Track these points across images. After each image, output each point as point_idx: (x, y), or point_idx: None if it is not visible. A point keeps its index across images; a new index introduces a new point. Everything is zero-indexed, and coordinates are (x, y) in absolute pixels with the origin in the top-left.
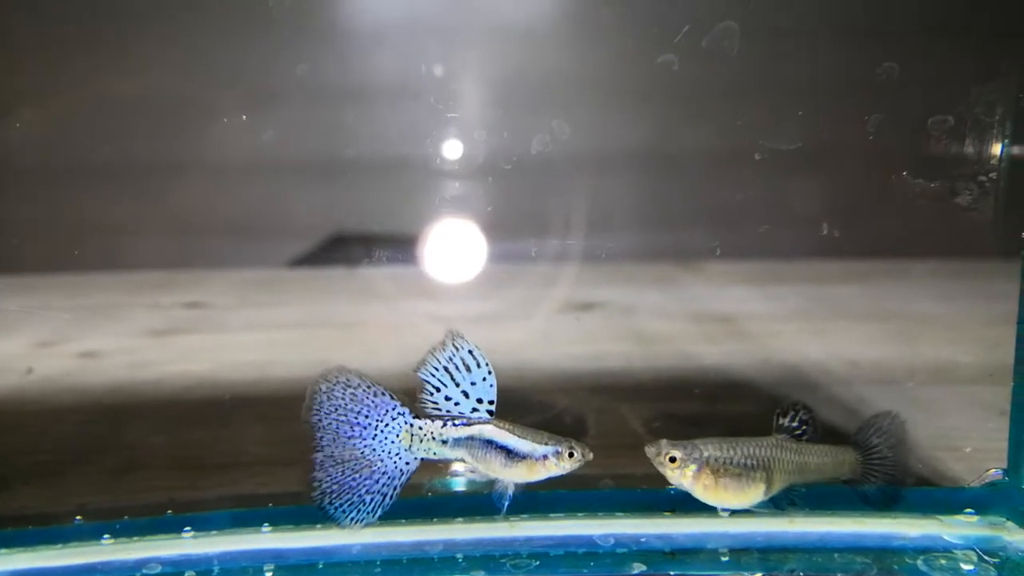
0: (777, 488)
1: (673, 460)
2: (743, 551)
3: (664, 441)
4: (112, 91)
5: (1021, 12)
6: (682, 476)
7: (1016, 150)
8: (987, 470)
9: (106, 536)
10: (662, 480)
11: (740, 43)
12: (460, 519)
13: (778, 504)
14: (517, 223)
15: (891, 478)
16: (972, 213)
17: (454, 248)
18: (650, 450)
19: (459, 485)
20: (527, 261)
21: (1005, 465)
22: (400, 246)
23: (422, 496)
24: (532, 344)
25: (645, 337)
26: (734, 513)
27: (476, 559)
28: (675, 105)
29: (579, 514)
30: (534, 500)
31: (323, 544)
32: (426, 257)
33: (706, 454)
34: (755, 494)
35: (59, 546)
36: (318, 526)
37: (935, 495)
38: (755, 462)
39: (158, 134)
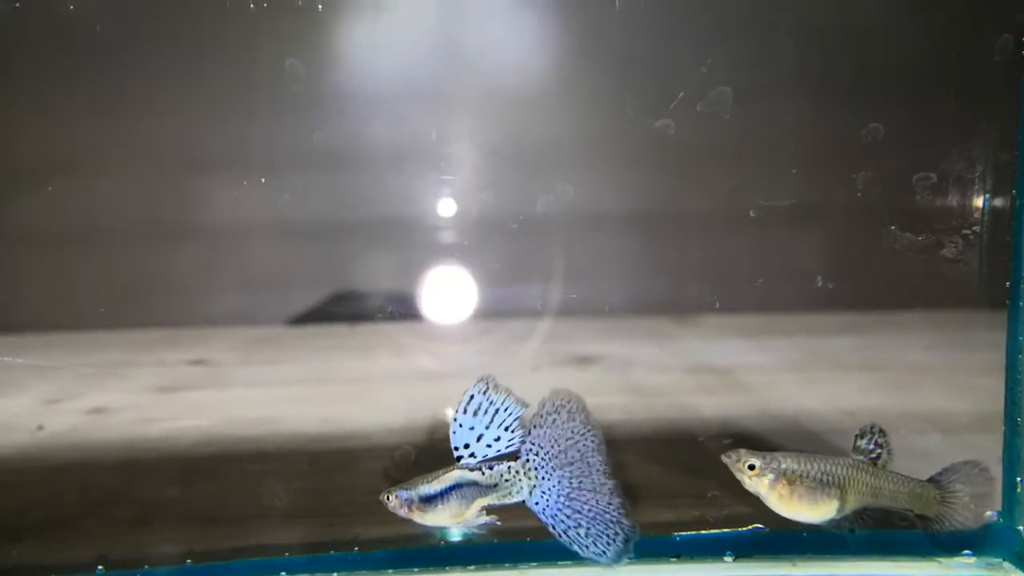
0: (850, 508)
1: (752, 468)
2: None
3: (743, 450)
4: (115, 154)
5: (995, 75)
6: (759, 484)
7: (997, 203)
8: (983, 512)
9: None
10: (667, 527)
11: (733, 106)
12: (472, 567)
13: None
14: (517, 280)
15: (963, 524)
16: (958, 265)
17: (453, 304)
18: (729, 458)
19: (470, 534)
20: (527, 316)
21: (1000, 508)
22: (399, 303)
23: (436, 545)
24: (534, 397)
25: (643, 390)
26: (738, 557)
27: None
28: (671, 167)
29: (584, 561)
30: (541, 548)
31: None
32: (426, 314)
33: (784, 465)
34: (828, 509)
35: None
36: (335, 574)
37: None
38: (831, 479)
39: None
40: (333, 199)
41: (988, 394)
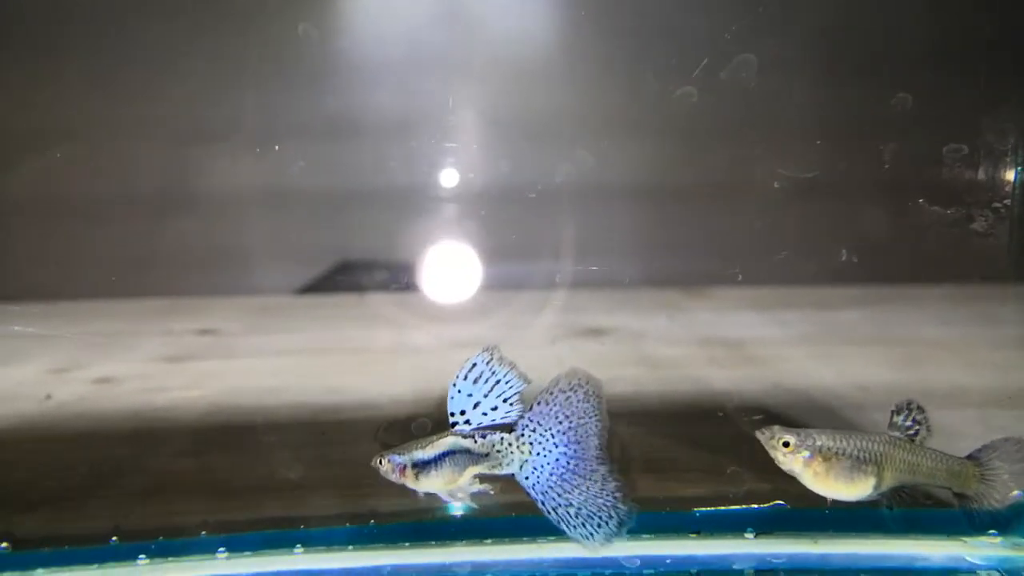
0: (887, 485)
1: (786, 445)
2: (768, 572)
3: (777, 427)
4: (120, 122)
5: None
6: (793, 461)
7: None
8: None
9: (142, 556)
10: (687, 503)
11: (757, 75)
12: (488, 540)
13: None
14: (529, 252)
15: (1002, 503)
16: (988, 239)
17: (464, 275)
18: (763, 435)
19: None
20: (540, 288)
21: None
22: (409, 274)
23: (453, 518)
24: (547, 369)
25: (655, 362)
26: (759, 534)
27: None
28: (690, 136)
29: None
30: None
31: (354, 566)
32: (436, 285)
33: (819, 442)
34: (864, 487)
35: (95, 566)
36: (350, 547)
37: (958, 516)
38: (867, 455)
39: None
40: (341, 168)
41: (1008, 369)
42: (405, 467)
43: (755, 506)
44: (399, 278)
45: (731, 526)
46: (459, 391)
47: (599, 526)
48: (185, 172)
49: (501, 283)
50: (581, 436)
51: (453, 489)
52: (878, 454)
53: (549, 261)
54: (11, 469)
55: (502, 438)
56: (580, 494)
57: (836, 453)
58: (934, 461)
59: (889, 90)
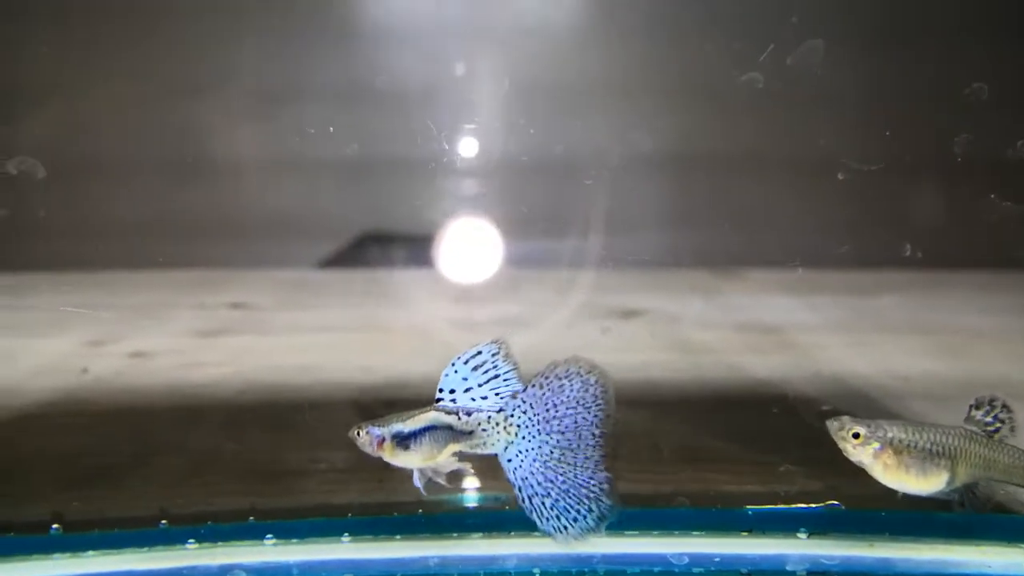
0: (961, 480)
1: (856, 436)
2: (821, 575)
3: (847, 417)
4: (151, 90)
5: None
6: (863, 453)
7: None
8: None
9: (191, 541)
10: (739, 500)
11: (825, 60)
12: (537, 533)
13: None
14: (562, 230)
15: None
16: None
17: (489, 251)
18: (832, 425)
19: None
20: (572, 266)
21: None
22: (440, 251)
23: (500, 509)
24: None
25: (691, 347)
26: (812, 534)
27: (553, 575)
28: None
29: (654, 532)
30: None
31: (401, 556)
32: (461, 260)
33: (890, 434)
34: (937, 481)
35: (145, 549)
36: (397, 537)
37: (1018, 523)
38: (941, 449)
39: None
40: (374, 139)
41: None
42: (384, 439)
43: (809, 505)
44: (425, 254)
45: (784, 525)
46: (455, 371)
47: (575, 520)
48: (201, 140)
49: (534, 260)
50: (571, 425)
51: (431, 465)
52: (952, 448)
53: (579, 239)
54: (54, 444)
55: (489, 417)
56: (563, 483)
57: (908, 446)
58: (1012, 457)
59: (965, 79)
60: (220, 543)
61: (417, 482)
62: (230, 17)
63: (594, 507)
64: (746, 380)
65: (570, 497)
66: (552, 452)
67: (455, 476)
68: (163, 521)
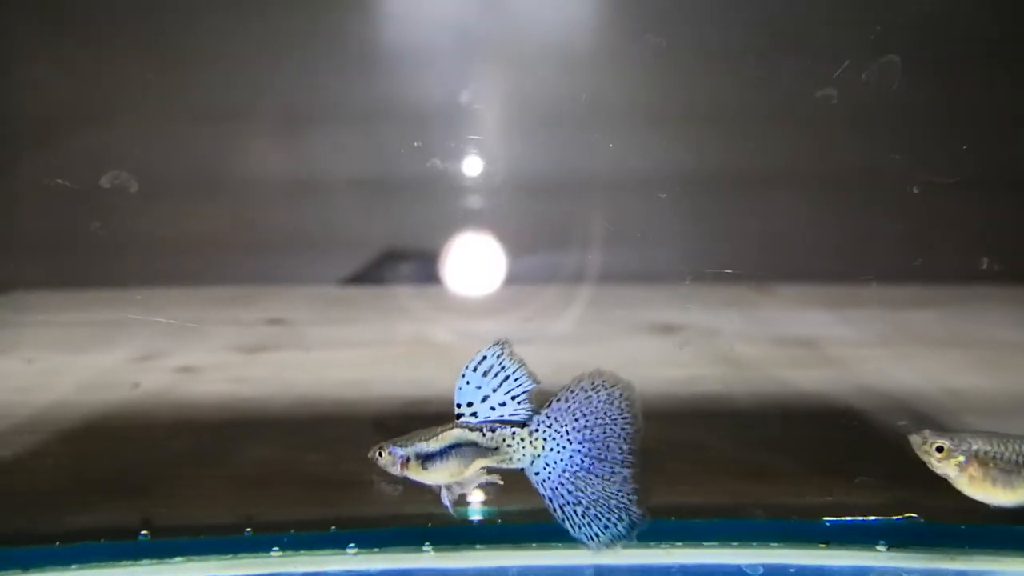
0: None
1: (940, 450)
2: None
3: (928, 431)
4: (186, 108)
5: None
6: (947, 466)
7: None
8: None
9: (275, 549)
10: (816, 512)
11: (903, 76)
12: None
13: None
14: (598, 243)
15: None
16: None
17: (529, 267)
18: (915, 439)
19: None
20: (605, 282)
21: None
22: (469, 268)
23: (551, 521)
24: (619, 368)
25: (734, 361)
26: (891, 547)
27: None
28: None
29: (733, 543)
30: (688, 528)
31: (482, 565)
32: (500, 278)
33: (975, 446)
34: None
35: (230, 556)
36: (477, 546)
37: None
38: None
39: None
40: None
41: None
42: (408, 459)
43: (888, 518)
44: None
45: (862, 538)
46: (467, 382)
47: (606, 527)
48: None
49: (566, 275)
50: (599, 436)
51: (460, 480)
52: None
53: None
54: (123, 455)
55: (513, 433)
56: (592, 494)
57: (993, 457)
58: None
59: None
60: (303, 551)
61: (445, 500)
62: (259, 43)
63: (624, 515)
64: (795, 393)
65: (600, 506)
66: (583, 461)
67: (487, 487)
68: (248, 529)
